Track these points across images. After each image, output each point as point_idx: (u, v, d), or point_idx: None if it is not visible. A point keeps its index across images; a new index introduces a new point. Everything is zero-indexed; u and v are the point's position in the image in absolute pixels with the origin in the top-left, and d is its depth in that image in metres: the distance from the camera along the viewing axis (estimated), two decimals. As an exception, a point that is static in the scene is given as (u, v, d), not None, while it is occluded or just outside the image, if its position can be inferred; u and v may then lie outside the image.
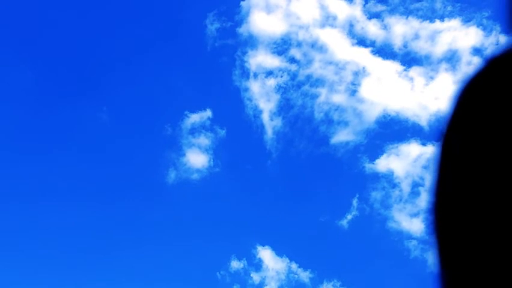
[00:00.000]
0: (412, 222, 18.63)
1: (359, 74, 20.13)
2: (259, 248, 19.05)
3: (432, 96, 19.82)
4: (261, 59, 20.45)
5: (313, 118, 20.08)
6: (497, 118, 0.70)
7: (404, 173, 19.05)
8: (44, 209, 20.42)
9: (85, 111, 21.43)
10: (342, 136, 19.81)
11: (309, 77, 20.27)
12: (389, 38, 20.24)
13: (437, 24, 20.04)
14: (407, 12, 20.26)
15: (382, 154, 19.46)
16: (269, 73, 20.39)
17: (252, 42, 20.55)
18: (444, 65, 19.78)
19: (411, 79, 19.89)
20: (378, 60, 20.38)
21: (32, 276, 19.42)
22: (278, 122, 20.20)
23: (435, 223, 0.74)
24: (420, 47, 19.97)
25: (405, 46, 20.07)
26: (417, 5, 20.25)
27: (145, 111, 21.53)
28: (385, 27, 20.35)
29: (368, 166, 19.43)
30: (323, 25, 20.55)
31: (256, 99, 20.36)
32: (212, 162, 20.01)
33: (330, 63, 20.28)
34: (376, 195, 19.08)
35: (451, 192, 0.72)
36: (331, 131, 19.93)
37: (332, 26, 20.58)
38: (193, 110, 20.39)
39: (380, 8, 20.52)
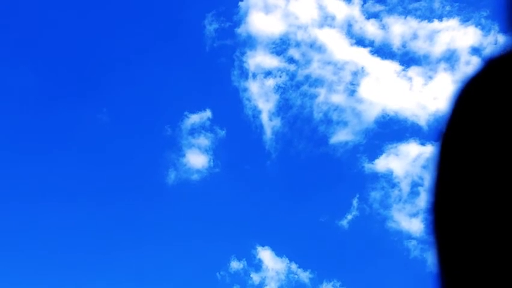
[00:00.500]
0: (412, 222, 18.63)
1: (358, 74, 20.13)
2: (259, 248, 19.05)
3: (431, 96, 19.82)
4: (260, 59, 20.44)
5: (313, 118, 20.08)
6: (496, 118, 0.70)
7: (404, 173, 19.05)
8: (44, 209, 20.42)
9: (84, 112, 21.40)
10: (341, 136, 19.81)
11: (307, 77, 20.27)
12: (388, 38, 20.25)
13: (436, 24, 20.05)
14: (406, 12, 20.26)
15: (381, 154, 19.46)
16: (268, 73, 20.38)
17: (250, 42, 20.55)
18: (443, 65, 19.79)
19: (410, 79, 19.89)
20: (376, 60, 20.38)
21: (32, 276, 19.43)
22: (277, 122, 20.20)
23: (434, 223, 0.74)
24: (419, 46, 19.98)
25: (403, 46, 20.07)
26: (416, 4, 20.25)
27: (144, 112, 21.52)
28: (383, 27, 20.36)
29: (368, 166, 19.43)
30: (321, 25, 20.55)
31: (255, 99, 20.35)
32: (212, 163, 20.02)
33: (329, 63, 20.28)
34: (375, 195, 19.07)
35: (450, 192, 0.72)
36: (330, 131, 19.93)
37: (331, 26, 20.58)
38: (193, 111, 20.38)
39: (378, 8, 20.53)
